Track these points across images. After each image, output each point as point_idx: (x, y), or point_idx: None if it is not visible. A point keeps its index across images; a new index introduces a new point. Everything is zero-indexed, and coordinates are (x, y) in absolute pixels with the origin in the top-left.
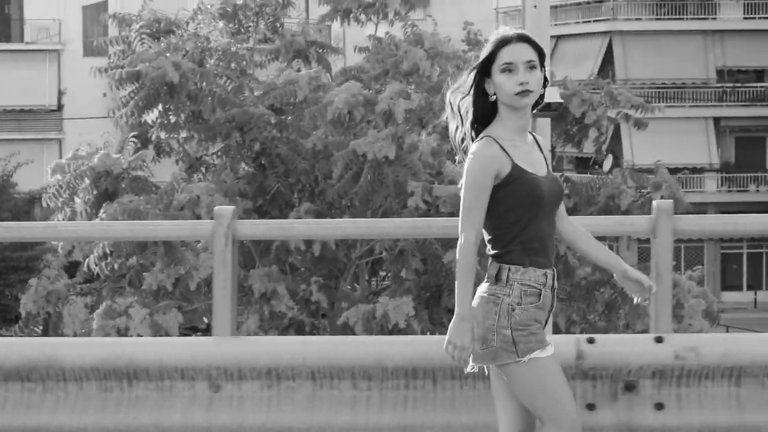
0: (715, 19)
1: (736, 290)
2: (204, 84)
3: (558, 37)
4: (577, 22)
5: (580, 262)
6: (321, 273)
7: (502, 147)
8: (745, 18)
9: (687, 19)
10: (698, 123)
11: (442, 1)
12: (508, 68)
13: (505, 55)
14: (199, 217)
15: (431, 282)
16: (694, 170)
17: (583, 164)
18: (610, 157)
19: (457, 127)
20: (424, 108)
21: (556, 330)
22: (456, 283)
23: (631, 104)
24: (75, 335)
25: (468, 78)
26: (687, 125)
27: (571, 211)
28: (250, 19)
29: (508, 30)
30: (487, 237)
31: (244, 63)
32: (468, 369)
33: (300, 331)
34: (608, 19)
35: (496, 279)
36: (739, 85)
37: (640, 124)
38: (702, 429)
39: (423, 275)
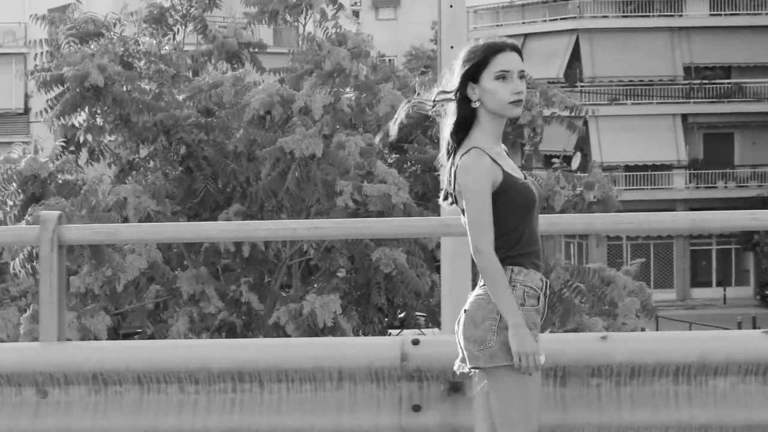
0: (681, 16)
1: (706, 286)
2: (130, 87)
3: (525, 36)
4: (544, 20)
5: None
6: (252, 274)
7: (490, 156)
8: (711, 15)
9: (653, 16)
10: (666, 120)
11: (413, 0)
12: (503, 76)
13: (501, 63)
14: (126, 219)
15: (360, 280)
16: (663, 167)
17: (550, 162)
18: (578, 155)
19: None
20: (355, 109)
21: None
22: (495, 296)
23: (565, 105)
24: (9, 340)
25: (453, 81)
26: (655, 122)
27: None
28: (177, 22)
29: (496, 38)
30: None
31: (173, 65)
32: (458, 369)
33: (231, 332)
34: (575, 17)
35: None
36: (706, 81)
37: (573, 127)
38: None
39: (352, 273)
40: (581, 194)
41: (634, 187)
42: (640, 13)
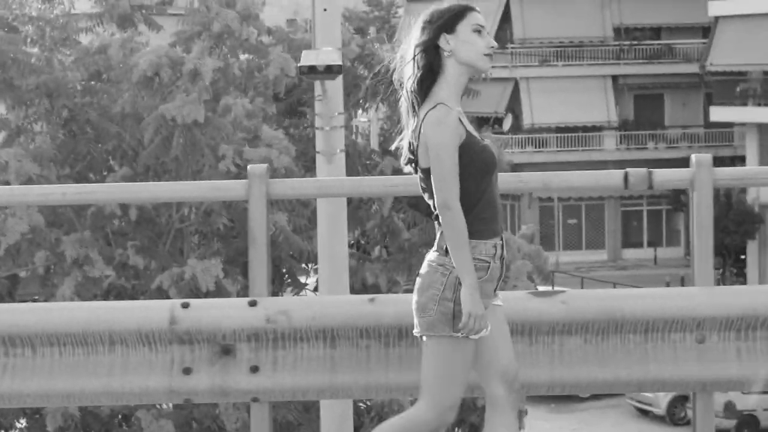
0: None
1: (637, 247)
2: (14, 51)
3: None
4: None
5: (404, 223)
6: (142, 237)
7: (456, 113)
8: None
9: None
10: (596, 81)
11: None
12: (479, 30)
13: (477, 18)
14: (7, 183)
15: (240, 243)
16: (593, 128)
17: (482, 124)
18: (509, 117)
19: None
20: (245, 72)
21: (378, 291)
22: (454, 253)
23: None
24: None
25: (424, 34)
26: (585, 84)
27: (397, 173)
28: None
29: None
30: None
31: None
32: (416, 333)
33: (120, 296)
34: None
35: (445, 252)
36: (636, 42)
37: (467, 92)
38: (295, 390)
39: (233, 237)
40: None
41: (566, 148)
42: None
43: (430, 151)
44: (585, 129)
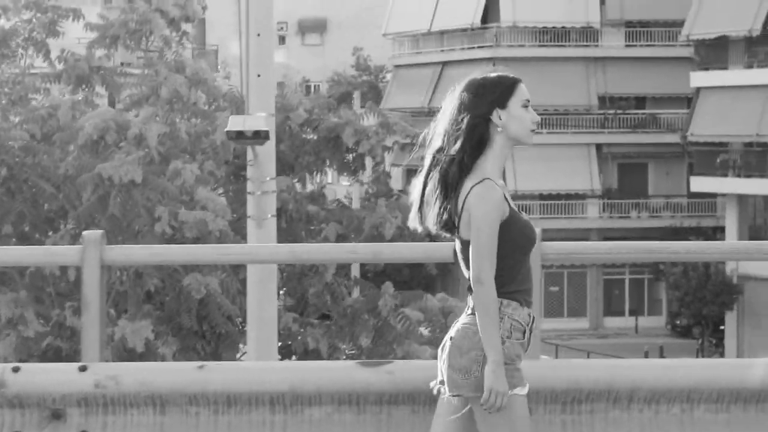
0: (597, 46)
1: (619, 316)
2: None
3: (444, 63)
4: (463, 48)
5: (346, 289)
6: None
7: (500, 189)
8: (627, 45)
9: (569, 46)
10: (580, 149)
11: (339, 26)
12: (526, 104)
13: (524, 92)
14: None
15: (171, 305)
16: (577, 196)
17: None
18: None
19: (441, 149)
20: (192, 136)
21: (318, 357)
22: (483, 328)
23: (406, 134)
24: None
25: (480, 105)
26: (569, 151)
27: (341, 239)
28: (20, 45)
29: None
30: None
31: (19, 88)
32: (434, 389)
33: (57, 356)
34: (492, 46)
35: None
36: (620, 111)
37: None
38: None
39: (165, 298)
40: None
41: (549, 216)
42: (556, 43)
43: (472, 224)
44: (568, 197)
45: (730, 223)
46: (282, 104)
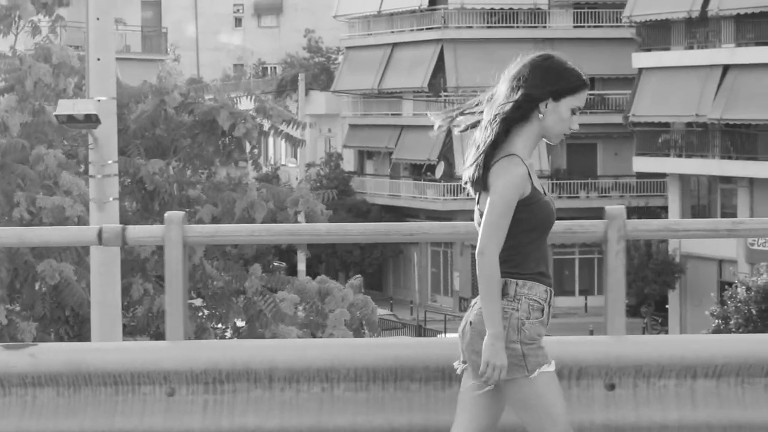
0: (545, 27)
1: (570, 295)
2: None
3: (394, 45)
4: (412, 30)
5: (218, 270)
6: None
7: (527, 168)
8: (575, 27)
9: (518, 27)
10: None
11: (295, 7)
12: (575, 110)
13: (581, 99)
14: None
15: (25, 292)
16: None
17: (416, 171)
18: (442, 164)
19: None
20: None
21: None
22: (483, 301)
23: (282, 119)
24: None
25: (541, 84)
26: None
27: (215, 222)
28: None
29: (581, 70)
30: (502, 254)
31: None
32: (458, 369)
33: None
34: (440, 27)
35: (503, 294)
36: None
37: (293, 141)
38: None
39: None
40: (285, 208)
41: None
42: (504, 24)
43: (489, 196)
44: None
45: (673, 202)
46: (157, 88)
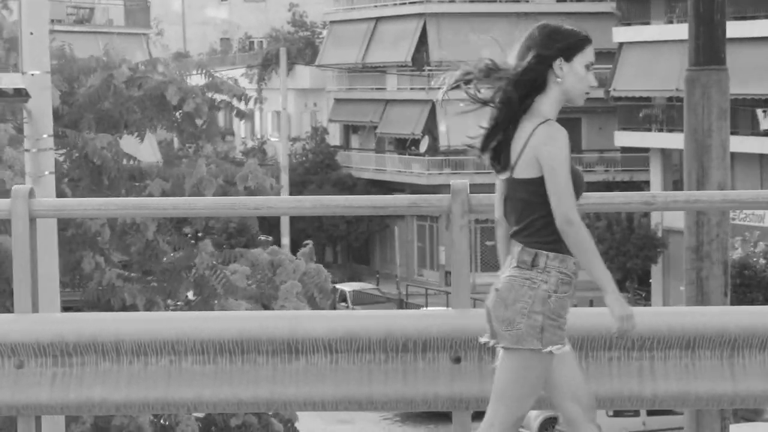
0: (527, 1)
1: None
2: None
3: (377, 19)
4: (395, 4)
5: (169, 245)
6: None
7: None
8: (558, 1)
9: (500, 1)
10: None
11: None
12: (589, 66)
13: (591, 54)
14: None
15: None
16: None
17: (401, 145)
18: (426, 138)
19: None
20: None
21: (135, 310)
22: (588, 267)
23: (233, 93)
24: None
25: (548, 48)
26: None
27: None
28: None
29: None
30: (536, 224)
31: None
32: (484, 341)
33: None
34: (423, 2)
35: (532, 264)
36: None
37: (240, 114)
38: None
39: None
40: (235, 184)
41: (482, 171)
42: None
43: (543, 165)
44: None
45: (655, 176)
46: (105, 62)
